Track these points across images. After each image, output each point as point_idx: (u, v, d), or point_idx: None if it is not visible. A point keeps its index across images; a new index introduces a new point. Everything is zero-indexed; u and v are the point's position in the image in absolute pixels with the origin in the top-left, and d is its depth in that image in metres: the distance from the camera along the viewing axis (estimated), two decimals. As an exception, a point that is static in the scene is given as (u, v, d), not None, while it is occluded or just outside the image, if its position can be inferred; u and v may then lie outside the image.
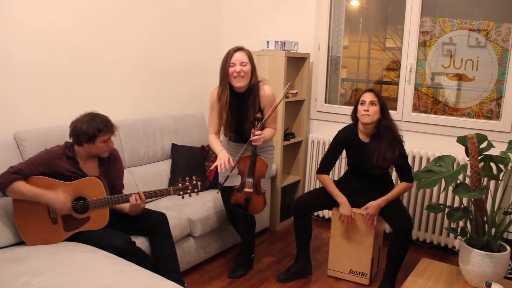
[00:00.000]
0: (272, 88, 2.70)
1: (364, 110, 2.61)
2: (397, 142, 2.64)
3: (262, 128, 2.56)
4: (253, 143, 2.49)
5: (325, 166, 2.85)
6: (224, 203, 2.92)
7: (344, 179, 2.93)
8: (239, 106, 2.62)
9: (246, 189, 2.57)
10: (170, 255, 2.50)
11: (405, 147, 2.72)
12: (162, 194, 2.39)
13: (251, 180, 2.56)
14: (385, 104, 2.66)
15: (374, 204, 2.68)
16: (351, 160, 2.84)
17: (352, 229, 2.78)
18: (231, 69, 2.51)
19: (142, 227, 2.49)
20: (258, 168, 2.58)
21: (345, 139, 2.79)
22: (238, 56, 2.51)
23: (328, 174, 2.85)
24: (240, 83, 2.52)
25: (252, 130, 2.48)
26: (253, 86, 2.59)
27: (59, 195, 2.25)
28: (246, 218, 2.83)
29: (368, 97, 2.63)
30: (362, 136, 2.74)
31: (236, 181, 2.69)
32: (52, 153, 2.34)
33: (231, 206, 2.76)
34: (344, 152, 2.87)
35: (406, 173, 2.72)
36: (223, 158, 2.45)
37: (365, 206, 2.70)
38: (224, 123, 2.65)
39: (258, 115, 2.52)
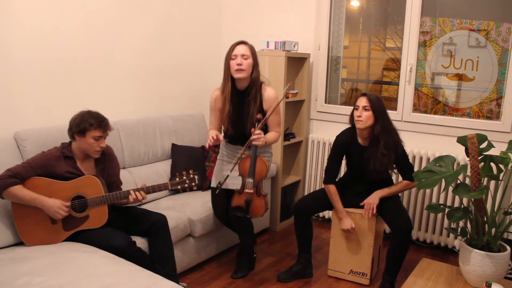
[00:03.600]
0: (274, 89, 2.70)
1: (357, 116, 2.62)
2: (393, 147, 2.63)
3: (265, 131, 2.57)
4: (253, 142, 2.49)
5: (331, 175, 2.80)
6: (213, 207, 2.85)
7: (344, 181, 2.92)
8: (241, 102, 2.63)
9: (246, 190, 2.56)
10: (167, 258, 2.49)
11: (405, 148, 2.73)
12: (160, 189, 2.40)
13: (251, 180, 2.55)
14: (380, 108, 2.61)
15: (372, 195, 2.69)
16: (351, 164, 2.83)
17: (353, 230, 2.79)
18: (232, 62, 2.55)
19: (141, 228, 2.48)
20: (259, 168, 2.57)
21: (345, 144, 2.77)
22: (240, 49, 2.56)
23: (334, 183, 2.81)
24: (239, 75, 2.54)
25: (252, 129, 2.49)
26: (254, 81, 2.60)
27: (56, 203, 2.25)
28: (241, 220, 2.75)
29: (361, 102, 2.62)
30: (361, 140, 2.73)
31: (236, 184, 2.68)
32: (49, 155, 2.34)
33: (223, 211, 2.78)
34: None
35: (408, 172, 2.71)
36: (211, 134, 2.51)
37: (363, 202, 2.72)
38: (225, 116, 2.64)
39: (259, 115, 2.54)
